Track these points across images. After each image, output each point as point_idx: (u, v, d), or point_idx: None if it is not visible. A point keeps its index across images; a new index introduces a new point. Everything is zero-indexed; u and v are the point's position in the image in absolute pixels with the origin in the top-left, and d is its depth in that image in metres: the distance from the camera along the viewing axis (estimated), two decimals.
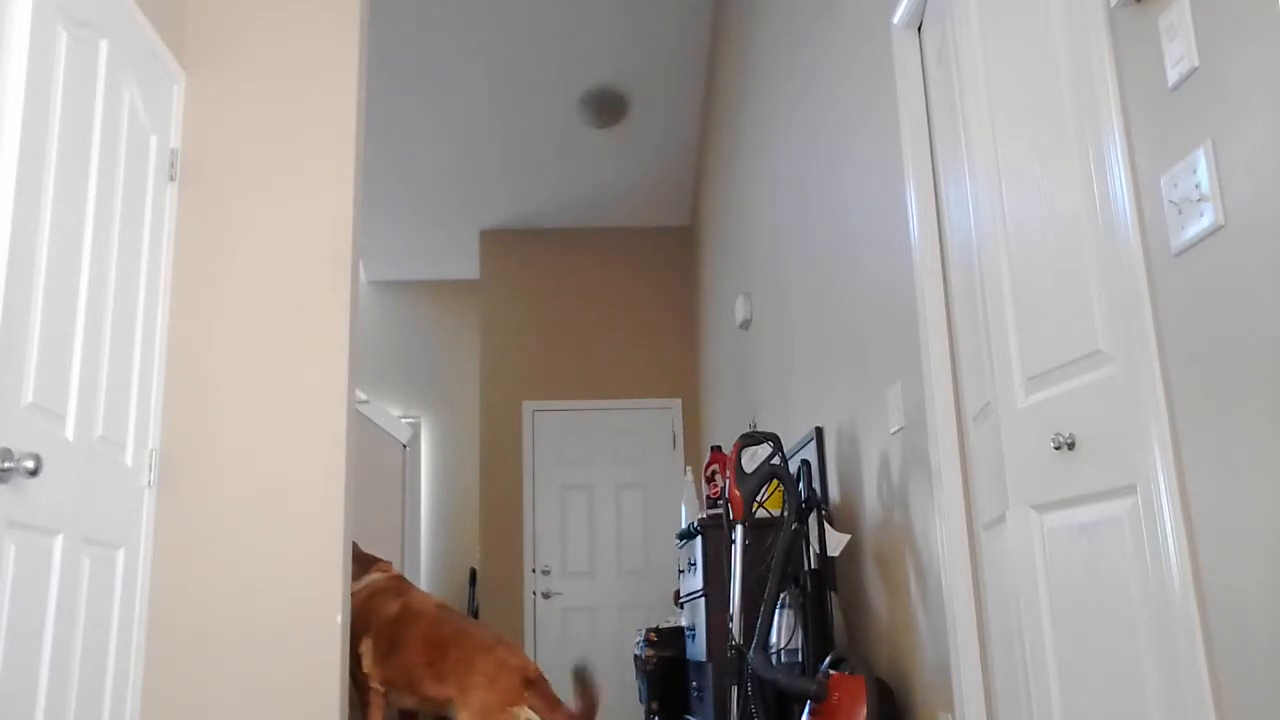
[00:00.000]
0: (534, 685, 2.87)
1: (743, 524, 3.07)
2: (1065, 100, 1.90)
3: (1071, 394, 1.89)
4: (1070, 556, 1.91)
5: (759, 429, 4.14)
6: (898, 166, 2.85)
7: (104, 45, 2.50)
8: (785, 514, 2.98)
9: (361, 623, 3.19)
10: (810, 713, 2.72)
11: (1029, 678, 2.09)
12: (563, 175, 7.15)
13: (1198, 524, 1.54)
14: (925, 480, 2.69)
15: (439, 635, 3.04)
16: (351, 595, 3.27)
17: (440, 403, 8.28)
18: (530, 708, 2.85)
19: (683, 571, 4.33)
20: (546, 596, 7.01)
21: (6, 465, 1.99)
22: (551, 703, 2.88)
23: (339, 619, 2.75)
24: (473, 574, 7.68)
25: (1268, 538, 1.38)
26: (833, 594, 3.28)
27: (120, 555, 2.55)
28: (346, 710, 2.83)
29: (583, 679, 2.89)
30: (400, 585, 3.30)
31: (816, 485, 3.64)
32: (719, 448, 4.24)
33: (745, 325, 5.34)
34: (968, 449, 2.50)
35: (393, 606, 3.19)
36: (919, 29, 2.79)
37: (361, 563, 3.36)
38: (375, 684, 3.10)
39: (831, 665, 2.77)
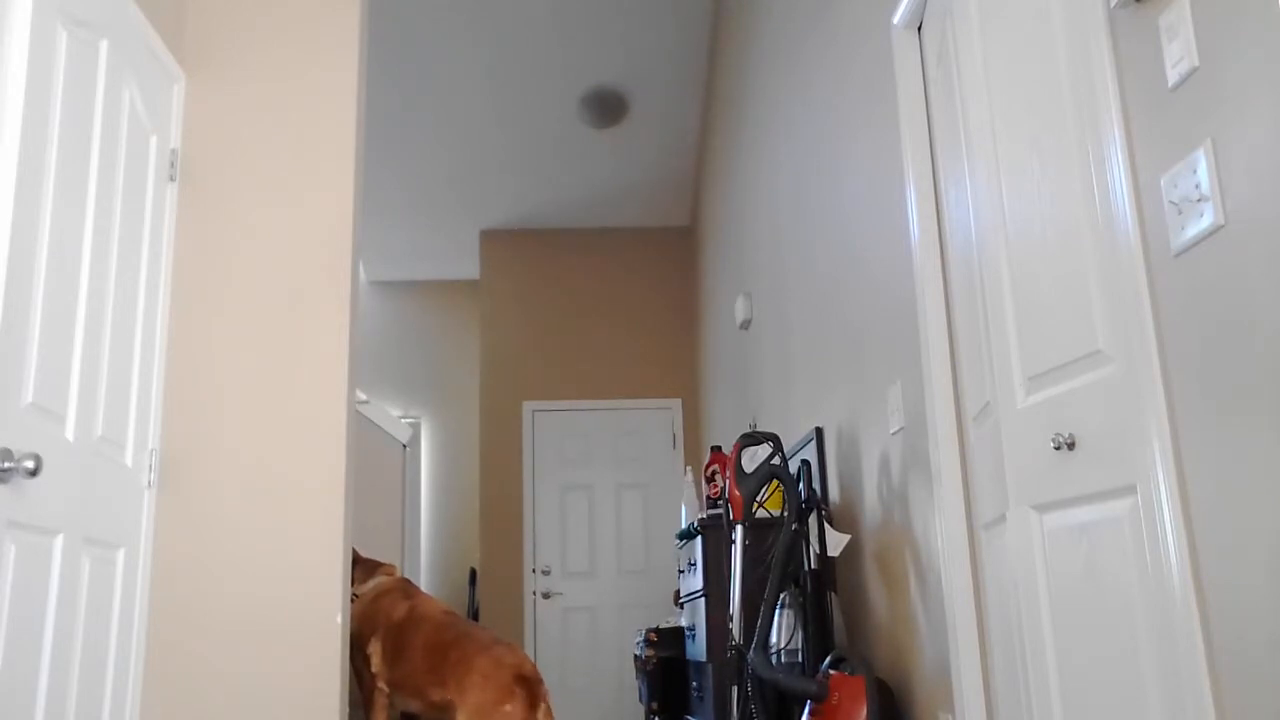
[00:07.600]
0: (526, 682, 2.85)
1: (743, 524, 3.07)
2: (1065, 100, 1.90)
3: (1071, 394, 1.89)
4: (1070, 557, 1.91)
5: (759, 429, 4.14)
6: (898, 166, 2.85)
7: (104, 45, 2.50)
8: (785, 514, 2.98)
9: (369, 624, 3.19)
10: (810, 713, 2.72)
11: (1029, 678, 2.09)
12: (563, 175, 7.15)
13: (1198, 524, 1.54)
14: (925, 480, 2.69)
15: (441, 640, 3.03)
16: (359, 597, 3.27)
17: (440, 403, 8.28)
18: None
19: (683, 571, 4.33)
20: (547, 596, 7.01)
21: (6, 465, 1.99)
22: (531, 704, 2.84)
23: (339, 619, 2.75)
24: (473, 574, 7.69)
25: (1268, 538, 1.38)
26: (833, 594, 3.28)
27: (120, 555, 2.55)
28: (347, 710, 2.83)
29: None
30: (407, 588, 3.30)
31: (816, 485, 3.64)
32: (719, 448, 4.24)
33: (745, 325, 5.34)
34: (968, 449, 2.50)
35: (400, 609, 3.18)
36: (919, 29, 2.79)
37: (366, 567, 3.36)
38: (381, 684, 3.10)
39: (831, 665, 2.77)
